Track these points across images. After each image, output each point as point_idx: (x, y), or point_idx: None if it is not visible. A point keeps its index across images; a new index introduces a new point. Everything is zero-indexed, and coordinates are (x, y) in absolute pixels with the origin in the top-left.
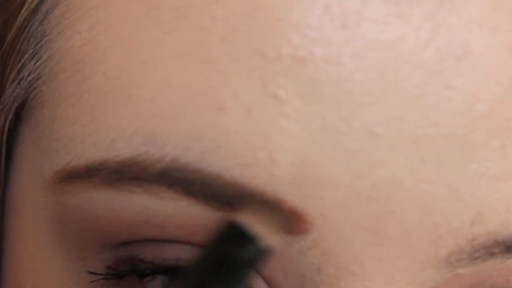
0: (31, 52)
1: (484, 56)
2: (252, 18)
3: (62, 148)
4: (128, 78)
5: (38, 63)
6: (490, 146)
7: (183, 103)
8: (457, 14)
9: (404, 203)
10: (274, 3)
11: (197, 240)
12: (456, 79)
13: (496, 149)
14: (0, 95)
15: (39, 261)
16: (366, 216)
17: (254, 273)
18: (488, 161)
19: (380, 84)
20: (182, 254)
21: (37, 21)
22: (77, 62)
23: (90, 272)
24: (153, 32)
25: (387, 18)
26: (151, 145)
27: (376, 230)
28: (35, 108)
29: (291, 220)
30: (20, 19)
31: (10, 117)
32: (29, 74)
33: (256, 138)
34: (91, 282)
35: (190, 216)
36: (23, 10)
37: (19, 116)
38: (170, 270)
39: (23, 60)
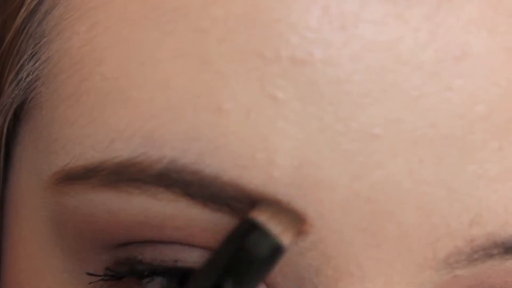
0: (29, 53)
1: (482, 57)
2: (251, 19)
3: (60, 149)
4: (127, 79)
5: (37, 64)
6: (489, 147)
7: (182, 104)
8: (456, 15)
9: (403, 205)
10: (272, 4)
11: (196, 242)
12: (455, 80)
13: (495, 150)
14: None
15: (38, 262)
16: (365, 217)
17: (271, 270)
18: (487, 162)
19: (379, 85)
20: (181, 255)
21: (36, 22)
22: (76, 63)
23: (89, 273)
24: (152, 33)
25: (385, 19)
26: (149, 146)
27: (375, 232)
28: (34, 109)
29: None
30: (19, 20)
31: (9, 118)
32: (27, 75)
33: (255, 139)
34: (89, 283)
35: (189, 218)
36: (22, 11)
37: (18, 117)
38: (168, 272)
39: (21, 61)
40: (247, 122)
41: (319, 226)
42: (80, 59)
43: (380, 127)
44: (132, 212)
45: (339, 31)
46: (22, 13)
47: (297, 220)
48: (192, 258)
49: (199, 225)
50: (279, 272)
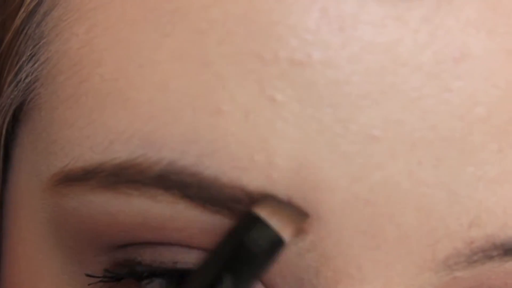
0: (28, 54)
1: (482, 59)
2: (250, 21)
3: (59, 150)
4: (125, 81)
5: (36, 65)
6: (488, 149)
7: (180, 106)
8: (455, 17)
9: (402, 206)
10: (271, 6)
11: (195, 243)
12: (454, 82)
13: (494, 152)
14: None
15: (37, 263)
16: (364, 219)
17: (270, 264)
18: (486, 164)
19: (378, 87)
20: (180, 257)
21: (35, 23)
22: (74, 64)
23: (88, 275)
24: (151, 34)
25: (384, 21)
26: (148, 148)
27: (374, 233)
28: (33, 110)
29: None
30: (17, 21)
31: (8, 119)
32: (26, 76)
33: (254, 141)
34: (88, 284)
35: (188, 219)
36: (20, 12)
37: (17, 118)
38: (168, 273)
39: (20, 62)
40: (246, 123)
41: (318, 227)
42: (79, 60)
43: (379, 129)
44: (131, 214)
45: (337, 33)
46: (21, 14)
47: (298, 215)
48: (191, 259)
49: (198, 227)
50: (278, 273)
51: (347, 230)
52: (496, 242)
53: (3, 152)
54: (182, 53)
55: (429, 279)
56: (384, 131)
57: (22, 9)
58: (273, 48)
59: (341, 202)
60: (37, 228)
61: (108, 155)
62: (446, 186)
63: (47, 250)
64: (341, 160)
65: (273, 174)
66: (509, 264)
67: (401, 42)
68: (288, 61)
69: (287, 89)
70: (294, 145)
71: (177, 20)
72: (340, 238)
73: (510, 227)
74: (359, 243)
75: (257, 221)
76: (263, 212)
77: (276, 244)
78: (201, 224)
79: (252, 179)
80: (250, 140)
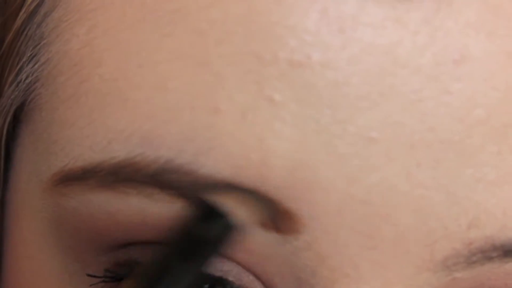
0: (29, 54)
1: (481, 61)
2: (249, 21)
3: (60, 150)
4: (125, 81)
5: (36, 65)
6: (487, 151)
7: (179, 105)
8: (455, 19)
9: (399, 207)
10: (271, 7)
11: None
12: (453, 84)
13: (493, 154)
14: None
15: (38, 263)
16: (360, 219)
17: (222, 251)
18: (485, 166)
19: (377, 89)
20: None
21: (35, 24)
22: (75, 64)
23: (89, 275)
24: (150, 35)
25: (384, 23)
26: (146, 147)
27: (371, 234)
28: (33, 111)
29: (282, 220)
30: (18, 21)
31: (8, 119)
32: (27, 77)
33: (250, 140)
34: (90, 285)
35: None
36: (21, 13)
37: (17, 118)
38: None
39: (21, 63)
40: (243, 123)
41: (313, 227)
42: (79, 60)
43: (377, 131)
44: (129, 213)
45: (337, 34)
46: (22, 15)
47: (248, 199)
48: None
49: None
50: (277, 272)
51: (343, 230)
52: (495, 243)
53: (4, 153)
54: (182, 53)
55: (428, 279)
56: (383, 133)
57: (23, 10)
58: (272, 49)
59: (336, 203)
60: (38, 228)
61: (107, 154)
62: (444, 187)
63: (48, 250)
64: (338, 161)
65: (269, 174)
66: (509, 265)
67: (400, 44)
68: (287, 61)
69: (286, 89)
70: (291, 145)
71: (176, 20)
72: (336, 238)
73: (509, 229)
74: (355, 243)
75: (205, 207)
76: (211, 199)
77: (225, 229)
78: None
79: (248, 178)
80: (247, 139)
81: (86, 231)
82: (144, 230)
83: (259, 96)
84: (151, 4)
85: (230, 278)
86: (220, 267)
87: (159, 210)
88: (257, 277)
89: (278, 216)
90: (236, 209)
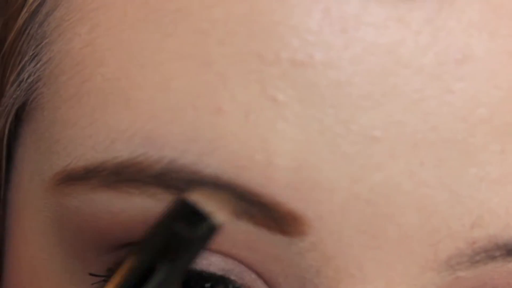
0: (31, 54)
1: (483, 60)
2: (251, 21)
3: (62, 150)
4: (127, 80)
5: (38, 65)
6: (490, 150)
7: (181, 105)
8: (457, 18)
9: (403, 207)
10: (273, 6)
11: None
12: (456, 83)
13: (496, 153)
14: (0, 97)
15: (40, 262)
16: (365, 219)
17: (205, 248)
18: (488, 165)
19: (379, 88)
20: None
21: (37, 23)
22: (77, 64)
23: (91, 274)
24: (152, 34)
25: (386, 22)
26: (149, 147)
27: (375, 233)
28: (35, 110)
29: (288, 222)
30: (20, 21)
31: (10, 119)
32: (29, 76)
33: (254, 140)
34: (92, 284)
35: None
36: (23, 12)
37: (19, 118)
38: None
39: (23, 62)
40: (247, 123)
41: (318, 227)
42: (81, 60)
43: (380, 130)
44: (132, 213)
45: (340, 34)
46: (24, 14)
47: (228, 199)
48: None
49: None
50: (280, 272)
51: (348, 230)
52: (498, 243)
53: (5, 152)
54: (184, 53)
55: (432, 279)
56: (385, 132)
57: (25, 9)
58: (274, 49)
59: (341, 203)
60: (40, 228)
61: (109, 154)
62: (448, 187)
63: (50, 249)
64: (342, 161)
65: (273, 174)
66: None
67: (403, 43)
68: (290, 61)
69: (289, 89)
70: (295, 145)
71: (179, 20)
72: (340, 237)
73: None
74: (359, 243)
75: (188, 207)
76: (194, 197)
77: (209, 228)
78: None
79: (252, 178)
80: (250, 140)
81: (88, 230)
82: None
83: (262, 96)
84: (153, 3)
85: (232, 277)
86: (222, 266)
87: (163, 210)
88: (260, 275)
89: (283, 218)
90: (202, 204)
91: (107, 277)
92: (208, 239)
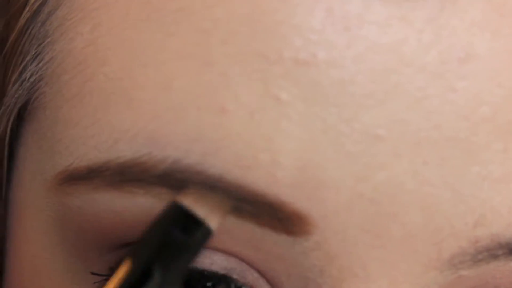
0: (33, 53)
1: (486, 59)
2: (254, 20)
3: (64, 149)
4: (130, 80)
5: (40, 64)
6: (493, 148)
7: (184, 105)
8: (460, 17)
9: (407, 206)
10: (275, 5)
11: None
12: (459, 82)
13: (499, 152)
14: (2, 96)
15: (42, 262)
16: (369, 218)
17: (199, 253)
18: (491, 164)
19: (382, 87)
20: None
21: (39, 23)
22: (79, 63)
23: (93, 273)
24: (155, 34)
25: (389, 21)
26: (153, 147)
27: (379, 233)
28: (37, 110)
29: (293, 222)
30: (22, 20)
31: (12, 118)
32: (31, 76)
33: (258, 140)
34: (94, 283)
35: None
36: (25, 12)
37: (21, 117)
38: None
39: (25, 62)
40: (251, 122)
41: (323, 227)
42: (83, 59)
43: (383, 128)
44: (135, 213)
45: (342, 33)
46: (26, 14)
47: (223, 202)
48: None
49: None
50: (283, 272)
51: (352, 229)
52: (501, 241)
53: (7, 152)
54: (186, 53)
55: (434, 278)
56: (389, 131)
57: (27, 9)
58: (277, 48)
59: (345, 202)
60: (42, 227)
61: (112, 154)
62: (451, 185)
63: (51, 249)
64: (346, 160)
65: (277, 173)
66: None
67: (405, 42)
68: (293, 60)
69: (292, 88)
70: (299, 145)
71: (181, 19)
72: (344, 237)
73: None
74: (363, 242)
75: (182, 211)
76: (188, 201)
77: (204, 232)
78: None
79: (257, 178)
80: (254, 139)
81: (91, 229)
82: None
83: (266, 96)
84: (155, 3)
85: (235, 276)
86: (224, 265)
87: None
88: (262, 274)
89: (288, 218)
90: (197, 207)
91: (109, 276)
92: (202, 244)
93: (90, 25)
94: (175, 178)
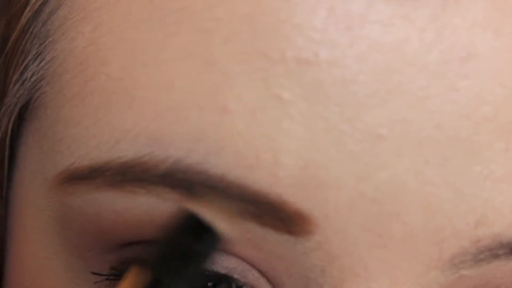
0: (34, 53)
1: (488, 58)
2: (256, 20)
3: (65, 149)
4: (131, 80)
5: (42, 64)
6: (495, 148)
7: (186, 104)
8: (462, 16)
9: (408, 205)
10: (277, 5)
11: None
12: (461, 81)
13: (501, 151)
14: (3, 96)
15: (42, 261)
16: (370, 217)
17: (210, 263)
18: (492, 163)
19: (384, 86)
20: None
21: (41, 22)
22: (80, 63)
23: (94, 273)
24: (156, 33)
25: (391, 20)
26: (154, 147)
27: (380, 232)
28: (38, 109)
29: (295, 221)
30: (23, 20)
31: (13, 118)
32: (32, 75)
33: (260, 139)
34: (94, 282)
35: None
36: (26, 11)
37: (22, 117)
38: None
39: (26, 61)
40: (252, 122)
41: (324, 227)
42: (85, 59)
43: (385, 128)
44: (137, 212)
45: (345, 32)
46: (27, 13)
47: (232, 208)
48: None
49: None
50: (284, 271)
51: (353, 229)
52: (502, 241)
53: (8, 151)
54: (188, 52)
55: (436, 277)
56: (391, 130)
57: (28, 8)
58: (279, 47)
59: (347, 201)
60: (42, 227)
61: (114, 153)
62: (452, 185)
63: (52, 248)
64: (348, 159)
65: (279, 173)
66: None
67: (408, 41)
68: (295, 60)
69: (294, 88)
70: (301, 144)
71: (182, 19)
72: (346, 236)
73: None
74: (365, 241)
75: (192, 220)
76: (198, 208)
77: (212, 239)
78: None
79: (258, 177)
80: (256, 139)
81: (92, 229)
82: (152, 229)
83: (268, 95)
84: (156, 2)
85: (235, 276)
86: (225, 264)
87: (168, 209)
88: (263, 274)
89: (290, 218)
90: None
91: (109, 276)
92: (212, 251)
93: (92, 24)
94: (176, 178)
